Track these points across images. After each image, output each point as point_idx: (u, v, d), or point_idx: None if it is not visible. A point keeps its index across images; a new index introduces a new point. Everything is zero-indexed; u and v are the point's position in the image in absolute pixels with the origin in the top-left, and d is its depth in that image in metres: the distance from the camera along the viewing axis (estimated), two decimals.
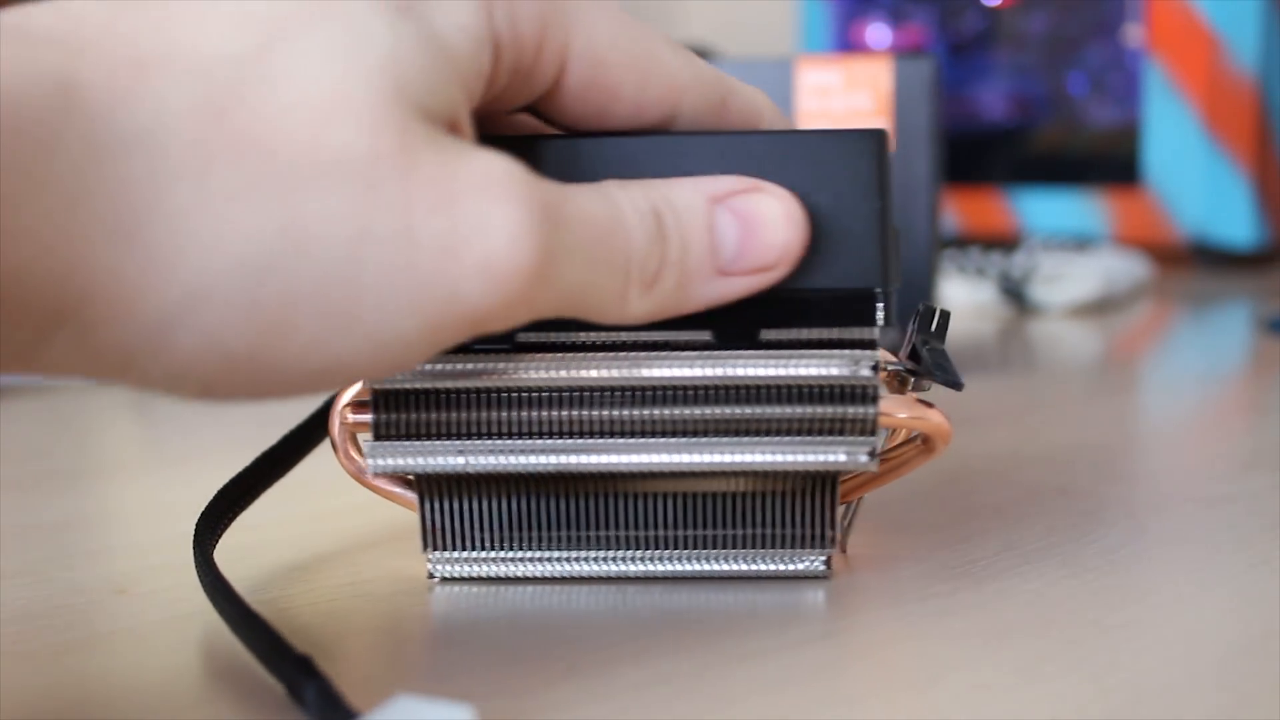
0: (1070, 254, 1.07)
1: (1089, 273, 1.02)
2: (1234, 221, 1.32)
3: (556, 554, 0.34)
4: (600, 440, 0.32)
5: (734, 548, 0.33)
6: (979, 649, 0.29)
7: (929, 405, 0.34)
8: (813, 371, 0.31)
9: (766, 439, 0.32)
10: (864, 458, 0.32)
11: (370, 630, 0.32)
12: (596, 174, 0.29)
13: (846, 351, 0.32)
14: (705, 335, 0.32)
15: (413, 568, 0.35)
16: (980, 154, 1.47)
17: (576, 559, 0.34)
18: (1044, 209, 1.40)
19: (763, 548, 0.33)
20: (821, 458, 0.32)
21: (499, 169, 0.25)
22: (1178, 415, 0.57)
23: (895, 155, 0.64)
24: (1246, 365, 0.72)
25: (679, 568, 0.33)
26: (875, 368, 0.32)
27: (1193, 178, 1.32)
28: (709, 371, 0.31)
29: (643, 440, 0.32)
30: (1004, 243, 1.10)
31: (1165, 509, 0.41)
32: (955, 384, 0.34)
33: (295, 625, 0.31)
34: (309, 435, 0.36)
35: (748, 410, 0.32)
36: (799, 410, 0.32)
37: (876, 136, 0.31)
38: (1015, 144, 1.46)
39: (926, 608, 0.32)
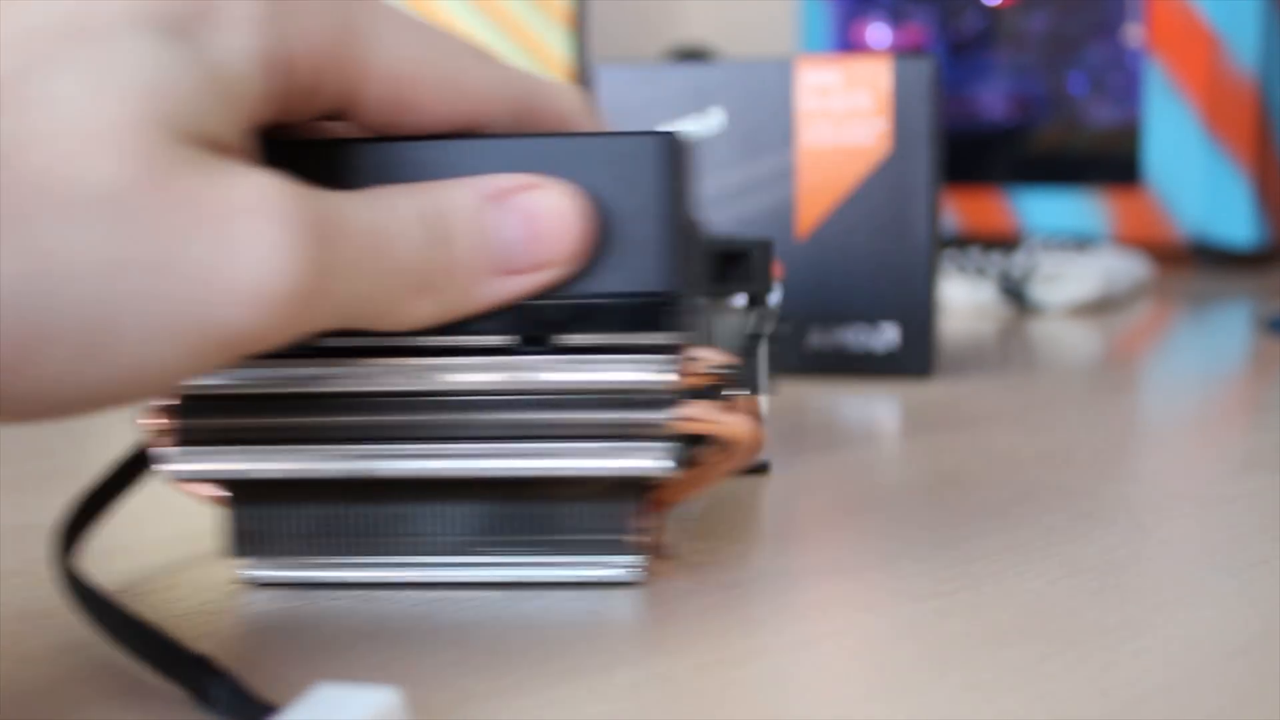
0: (1070, 254, 1.07)
1: (1089, 272, 1.02)
2: (1234, 221, 1.32)
3: (365, 560, 0.33)
4: (401, 445, 0.32)
5: (544, 553, 0.33)
6: (978, 649, 0.29)
7: (734, 410, 0.33)
8: (609, 376, 0.31)
9: (568, 444, 0.31)
10: (665, 463, 0.31)
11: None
12: (386, 178, 0.29)
13: (642, 356, 0.31)
14: (506, 340, 0.32)
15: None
16: (980, 154, 1.47)
17: (385, 565, 0.33)
18: (1044, 209, 1.40)
19: (573, 554, 0.33)
20: (621, 464, 0.31)
21: (264, 189, 0.24)
22: (1177, 415, 0.57)
23: (895, 155, 0.64)
24: (1246, 365, 0.72)
25: (486, 575, 0.33)
26: (672, 372, 0.31)
27: (1193, 177, 1.32)
28: (508, 377, 0.31)
29: (445, 446, 0.32)
30: (1004, 242, 1.10)
31: (1164, 509, 0.41)
32: (756, 389, 0.33)
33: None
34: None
35: (549, 416, 0.31)
36: (598, 415, 0.31)
37: (667, 139, 0.31)
38: (1015, 144, 1.46)
39: (925, 608, 0.32)
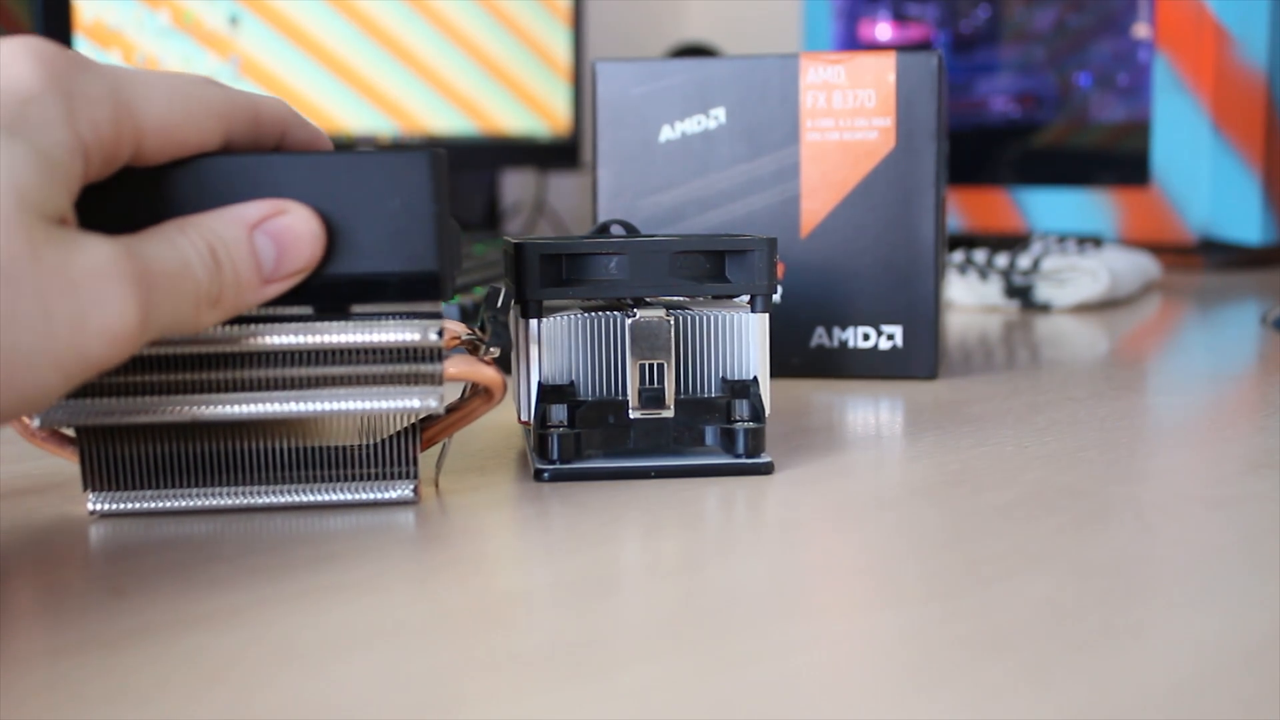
0: (1077, 252, 1.06)
1: (1096, 272, 1.01)
2: (1242, 219, 1.31)
3: (196, 490, 0.41)
4: (223, 395, 0.40)
5: (339, 481, 0.42)
6: (987, 652, 0.29)
7: (486, 363, 0.42)
8: (392, 337, 0.40)
9: (358, 389, 0.40)
10: (433, 402, 0.41)
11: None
12: (203, 194, 0.38)
13: (417, 320, 0.40)
14: (307, 310, 0.40)
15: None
16: (986, 152, 1.46)
17: (213, 494, 0.41)
18: (1050, 207, 1.39)
19: (363, 480, 0.42)
20: (400, 404, 0.40)
21: (105, 255, 0.33)
22: (1185, 414, 0.56)
23: (899, 152, 0.64)
24: (1254, 363, 0.72)
25: (293, 499, 0.42)
26: (440, 333, 0.40)
27: (1201, 175, 1.31)
28: (309, 339, 0.40)
29: (258, 394, 0.40)
30: (1011, 241, 1.10)
31: (1173, 510, 0.41)
32: (504, 344, 0.43)
33: None
34: None
35: (342, 369, 0.40)
36: (383, 368, 0.41)
37: (431, 154, 0.40)
38: (1022, 141, 1.45)
39: (931, 610, 0.31)
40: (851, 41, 1.58)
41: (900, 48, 1.51)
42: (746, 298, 0.47)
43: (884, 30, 1.58)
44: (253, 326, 0.40)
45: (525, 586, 0.34)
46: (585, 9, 1.47)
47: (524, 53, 1.37)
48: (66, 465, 0.47)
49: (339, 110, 1.21)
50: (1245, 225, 1.30)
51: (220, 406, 0.40)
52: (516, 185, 1.63)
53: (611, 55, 1.66)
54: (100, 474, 0.41)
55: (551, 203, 1.64)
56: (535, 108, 1.38)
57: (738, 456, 0.45)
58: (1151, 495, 0.42)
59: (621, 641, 0.30)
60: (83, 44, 1.09)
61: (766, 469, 0.45)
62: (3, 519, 0.41)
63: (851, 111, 0.65)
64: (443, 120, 1.29)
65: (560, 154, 1.41)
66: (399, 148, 0.44)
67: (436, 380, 0.41)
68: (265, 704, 0.26)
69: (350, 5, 1.23)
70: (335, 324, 0.40)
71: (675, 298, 0.48)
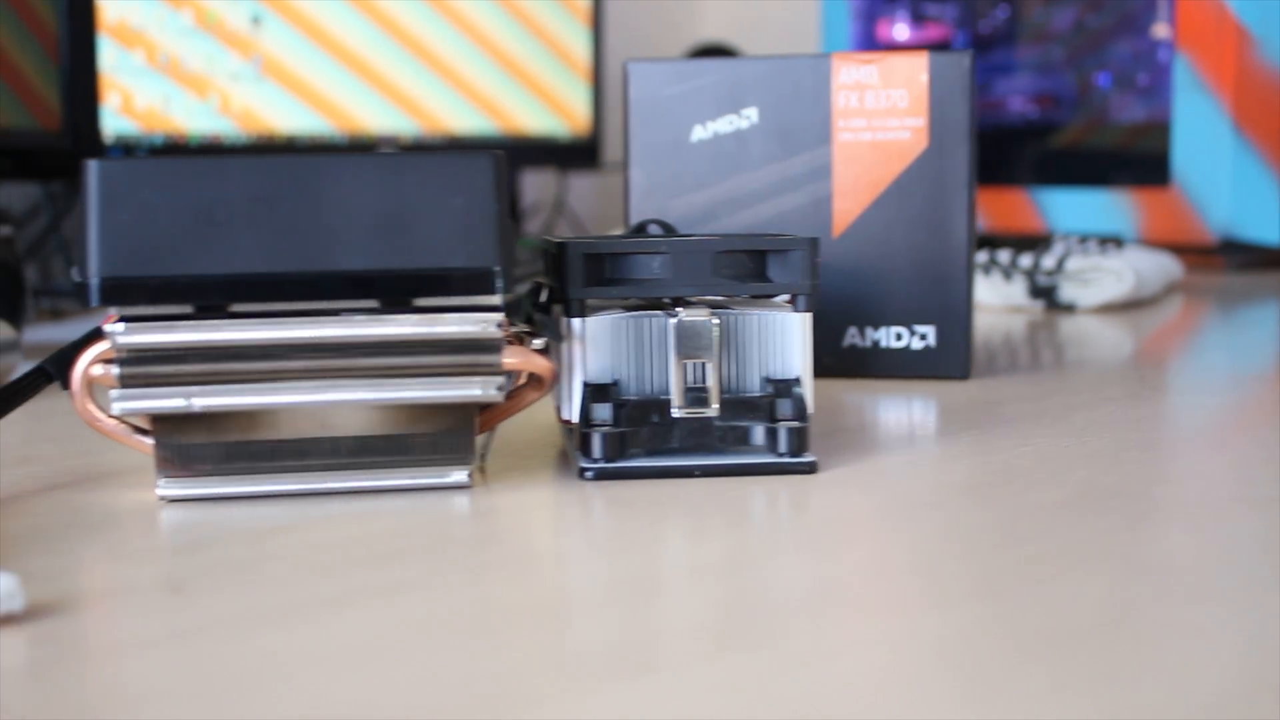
0: (1100, 253, 1.06)
1: (1120, 272, 1.01)
2: (1264, 219, 1.31)
3: (261, 476, 0.43)
4: (294, 383, 0.41)
5: (398, 468, 0.44)
6: (1046, 652, 0.29)
7: (539, 353, 0.44)
8: (454, 329, 0.42)
9: (422, 379, 0.42)
10: (494, 392, 0.43)
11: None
12: (267, 192, 0.41)
13: (477, 314, 0.42)
14: (372, 304, 0.42)
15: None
16: (1005, 152, 1.46)
17: (277, 480, 0.43)
18: (1070, 207, 1.39)
19: (422, 467, 0.44)
20: (462, 392, 0.42)
21: None
22: (1217, 414, 0.56)
23: (931, 151, 0.64)
24: (1278, 363, 0.72)
25: (355, 484, 0.43)
26: (499, 326, 0.42)
27: (1222, 175, 1.31)
28: (378, 331, 0.42)
29: (327, 382, 0.42)
30: (1033, 242, 1.10)
31: (1220, 511, 0.41)
32: (557, 338, 0.46)
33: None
34: (18, 393, 0.44)
35: (406, 360, 0.42)
36: (444, 359, 0.42)
37: (493, 157, 0.43)
38: (1041, 142, 1.45)
39: (987, 610, 0.31)
40: (870, 42, 1.58)
41: (931, 48, 1.51)
42: (785, 297, 0.47)
43: (902, 30, 1.58)
44: (321, 320, 0.42)
45: (576, 586, 0.34)
46: (605, 9, 1.47)
47: (544, 53, 1.37)
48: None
49: (360, 109, 1.21)
50: (1266, 225, 1.30)
51: (290, 395, 0.41)
52: (535, 185, 1.63)
53: (630, 55, 1.66)
54: (173, 460, 0.42)
55: (570, 203, 1.64)
56: (555, 108, 1.38)
57: (781, 456, 0.45)
58: (1196, 495, 0.42)
59: (674, 642, 0.30)
60: (107, 44, 1.10)
61: (810, 468, 0.45)
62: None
63: (884, 111, 0.65)
64: (463, 120, 1.29)
65: (580, 154, 1.41)
66: (461, 149, 0.47)
67: (496, 370, 0.43)
68: (334, 703, 0.26)
69: (372, 5, 1.23)
70: (399, 317, 0.42)
71: (716, 297, 0.48)
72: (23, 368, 0.71)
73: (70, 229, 1.26)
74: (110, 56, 1.10)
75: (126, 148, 1.11)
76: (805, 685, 0.27)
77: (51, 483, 0.46)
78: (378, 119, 1.22)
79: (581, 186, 1.70)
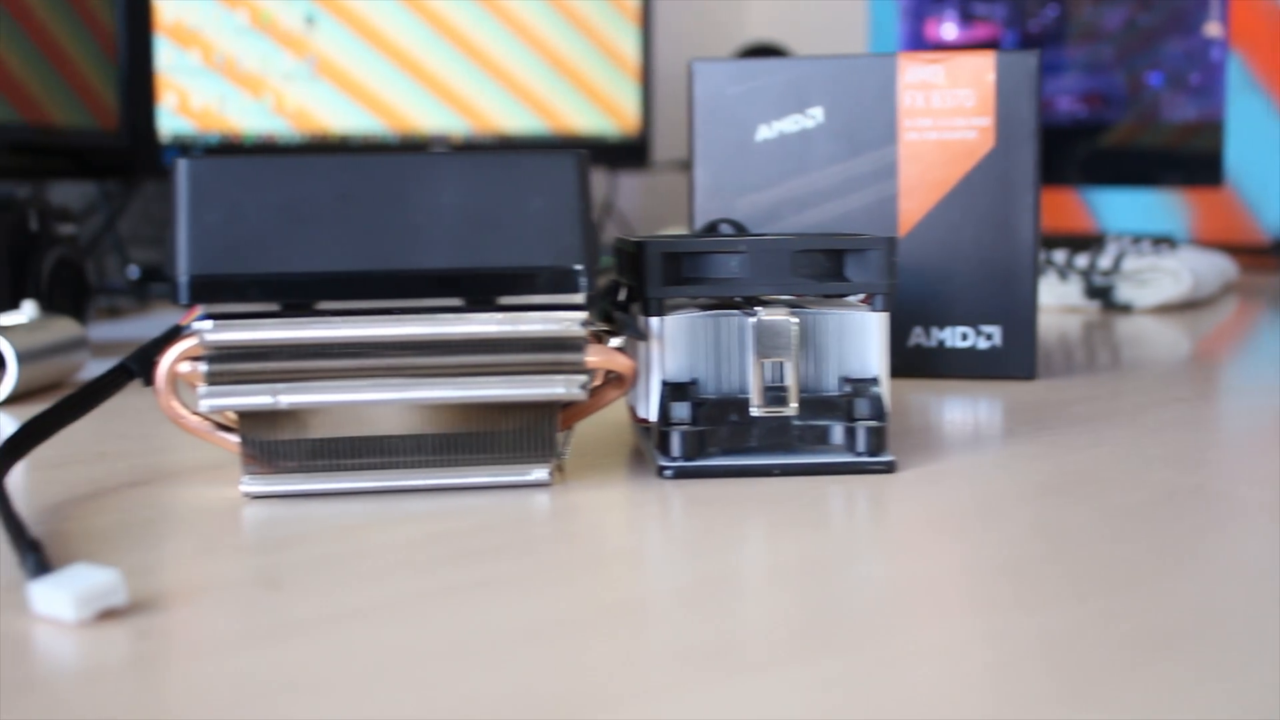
0: (1155, 253, 1.05)
1: (1178, 273, 1.00)
2: None
3: (344, 474, 0.43)
4: (381, 380, 0.42)
5: (481, 464, 0.44)
6: (1151, 654, 0.29)
7: (620, 351, 0.45)
8: (539, 328, 0.43)
9: (507, 377, 0.43)
10: (577, 390, 0.43)
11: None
12: (356, 190, 0.41)
13: (561, 313, 0.43)
14: (457, 301, 0.43)
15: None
16: (1055, 152, 1.45)
17: (360, 477, 0.43)
18: (1121, 207, 1.38)
19: (505, 463, 0.44)
20: (546, 390, 0.43)
21: None
22: None
23: (998, 151, 0.63)
24: None
25: (441, 481, 0.44)
26: (583, 325, 0.43)
27: (1275, 175, 1.30)
28: (463, 329, 0.42)
29: (415, 380, 0.42)
30: (1087, 242, 1.09)
31: None
32: (640, 336, 0.46)
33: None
34: (101, 389, 0.45)
35: (491, 358, 0.43)
36: (528, 357, 0.43)
37: (577, 155, 0.43)
38: (1091, 141, 1.44)
39: (1086, 611, 0.31)
40: (918, 41, 1.57)
41: (983, 46, 1.50)
42: (859, 296, 0.47)
43: (950, 30, 1.57)
44: (406, 318, 0.42)
45: (662, 585, 0.34)
46: (654, 9, 1.48)
47: (594, 52, 1.37)
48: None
49: (412, 108, 1.21)
50: None
51: (375, 393, 0.42)
52: None
53: (679, 55, 1.66)
54: (258, 457, 0.43)
55: (617, 203, 1.64)
56: (604, 107, 1.38)
57: (859, 455, 0.45)
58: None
59: (765, 643, 0.30)
60: (163, 44, 1.10)
61: (889, 467, 0.45)
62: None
63: (950, 111, 0.64)
64: (514, 119, 1.29)
65: (629, 153, 1.41)
66: (547, 149, 0.48)
67: (580, 369, 0.43)
68: (434, 702, 0.27)
69: (424, 5, 1.23)
70: (483, 315, 0.42)
71: (792, 295, 0.48)
72: (90, 365, 0.72)
73: (126, 227, 1.27)
74: (167, 56, 1.11)
75: (182, 147, 1.12)
76: (901, 686, 0.27)
77: (131, 479, 0.46)
78: (429, 118, 1.22)
79: (629, 186, 1.70)
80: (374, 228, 0.42)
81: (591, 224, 0.43)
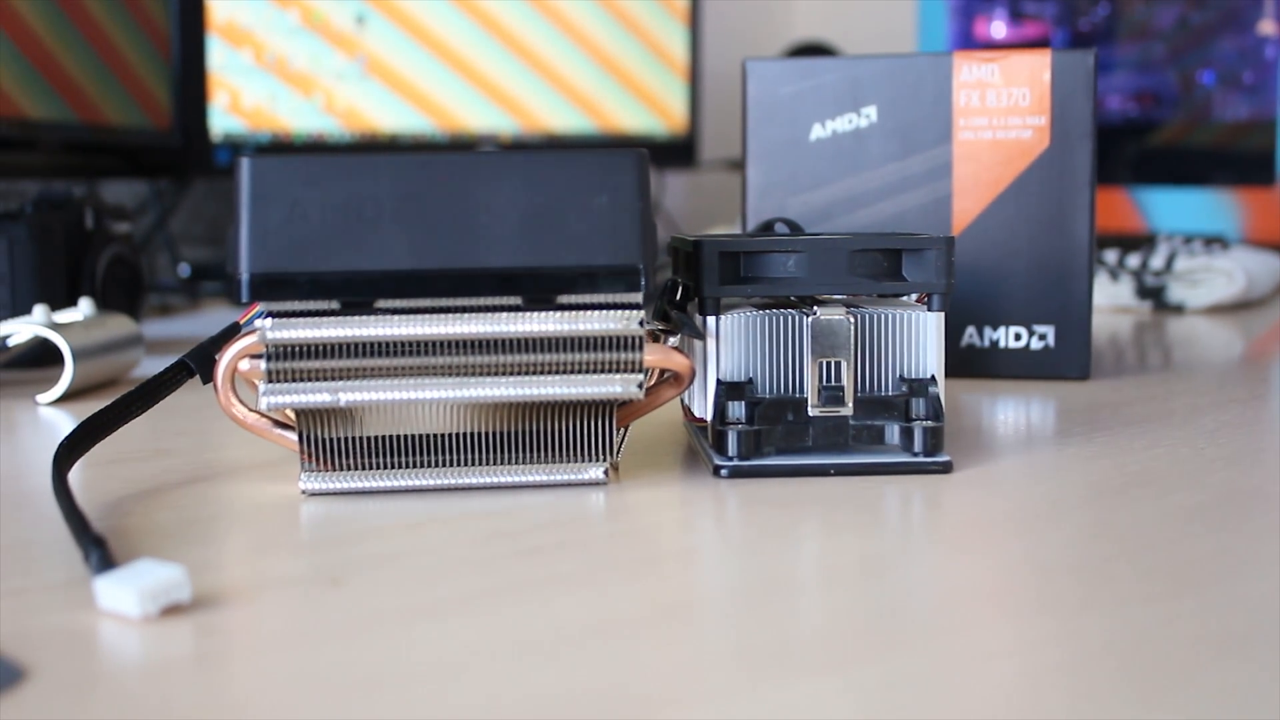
0: (1206, 253, 1.04)
1: (1231, 273, 0.99)
2: None
3: (402, 471, 0.43)
4: (440, 379, 0.42)
5: (536, 463, 0.44)
6: (1222, 654, 0.28)
7: (677, 350, 0.44)
8: (597, 327, 0.43)
9: (565, 376, 0.43)
10: (634, 389, 0.43)
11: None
12: (419, 188, 0.42)
13: (619, 312, 0.43)
14: (516, 300, 0.42)
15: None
16: (1105, 151, 1.44)
17: (417, 474, 0.43)
18: (1172, 206, 1.37)
19: (560, 462, 0.44)
20: (603, 389, 0.43)
21: None
22: None
23: (1053, 150, 0.63)
24: None
25: (498, 480, 0.44)
26: (641, 324, 0.43)
27: None
28: (522, 328, 0.42)
29: (473, 379, 0.42)
30: (1138, 241, 1.08)
31: None
32: (698, 335, 0.46)
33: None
34: (160, 386, 0.45)
35: (549, 357, 0.43)
36: (586, 356, 0.43)
37: (637, 154, 0.43)
38: (1141, 140, 1.43)
39: (1148, 611, 0.31)
40: (967, 40, 1.56)
41: (1037, 45, 1.50)
42: (915, 295, 0.47)
43: (999, 28, 1.57)
44: (466, 316, 0.42)
45: (721, 585, 0.34)
46: (702, 8, 1.47)
47: (642, 51, 1.37)
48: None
49: (462, 108, 1.22)
50: None
51: (434, 391, 0.42)
52: None
53: (727, 55, 1.66)
54: (316, 455, 0.43)
55: (664, 202, 1.64)
56: (653, 106, 1.38)
57: (916, 455, 0.45)
58: None
59: (826, 643, 0.30)
60: (215, 43, 1.11)
61: (945, 468, 0.45)
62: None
63: (1005, 110, 0.64)
64: (562, 118, 1.29)
65: (676, 152, 1.41)
66: (608, 148, 0.48)
67: (638, 368, 0.43)
68: (498, 699, 0.27)
69: (474, 5, 1.23)
70: (543, 314, 0.42)
71: (848, 295, 0.48)
72: (146, 362, 0.72)
73: (177, 226, 1.28)
74: (219, 56, 1.11)
75: (234, 146, 1.12)
76: (967, 687, 0.27)
77: (190, 476, 0.46)
78: (479, 117, 1.23)
79: (676, 185, 1.70)
80: (434, 227, 0.42)
81: (651, 223, 0.43)
